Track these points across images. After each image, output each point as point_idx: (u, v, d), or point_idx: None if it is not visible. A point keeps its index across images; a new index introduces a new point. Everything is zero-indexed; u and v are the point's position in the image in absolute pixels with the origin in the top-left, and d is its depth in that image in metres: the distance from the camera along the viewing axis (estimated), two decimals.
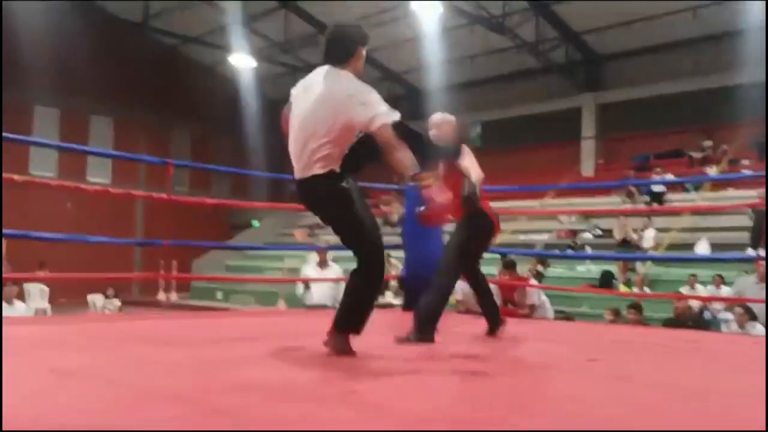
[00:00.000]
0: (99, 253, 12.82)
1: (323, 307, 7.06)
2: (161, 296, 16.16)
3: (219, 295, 16.86)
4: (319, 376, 2.47)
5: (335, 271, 7.53)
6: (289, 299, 11.27)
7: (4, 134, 4.09)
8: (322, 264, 7.52)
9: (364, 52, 2.97)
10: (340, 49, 2.92)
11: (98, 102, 18.60)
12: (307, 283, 7.36)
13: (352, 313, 2.94)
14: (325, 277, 7.27)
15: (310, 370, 2.60)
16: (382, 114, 2.72)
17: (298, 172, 2.91)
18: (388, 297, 11.40)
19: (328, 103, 2.79)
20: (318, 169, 2.82)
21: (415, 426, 1.74)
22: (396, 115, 2.78)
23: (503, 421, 1.81)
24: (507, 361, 3.11)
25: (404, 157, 2.77)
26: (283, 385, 2.20)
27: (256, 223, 21.11)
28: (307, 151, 2.84)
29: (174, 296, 16.30)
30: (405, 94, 20.44)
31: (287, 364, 2.76)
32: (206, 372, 2.47)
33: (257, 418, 1.75)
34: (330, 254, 7.59)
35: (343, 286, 6.60)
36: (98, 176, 18.17)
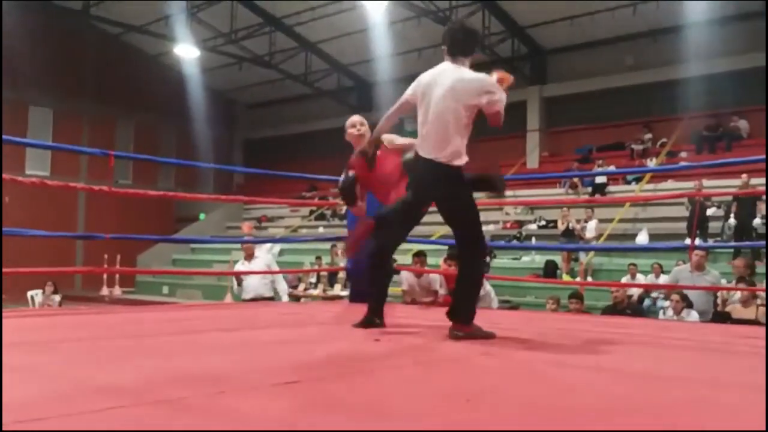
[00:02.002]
0: (39, 248, 12.50)
1: (261, 298, 7.09)
2: (105, 291, 15.83)
3: (165, 289, 16.62)
4: (260, 365, 2.48)
5: (262, 261, 7.42)
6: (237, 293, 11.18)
7: None
8: (249, 257, 7.44)
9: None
10: (469, 44, 3.40)
11: (38, 92, 18.04)
12: (239, 278, 7.30)
13: (471, 299, 3.29)
14: (254, 270, 7.20)
15: (251, 360, 2.60)
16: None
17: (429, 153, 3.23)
18: (336, 289, 11.44)
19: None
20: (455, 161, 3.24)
21: (365, 417, 1.77)
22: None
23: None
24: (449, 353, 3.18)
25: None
26: (225, 376, 2.21)
27: (202, 216, 20.85)
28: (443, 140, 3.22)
29: (118, 291, 15.99)
30: (354, 86, 20.44)
31: (228, 354, 2.76)
32: (147, 364, 2.45)
33: (197, 408, 1.76)
34: (268, 247, 7.59)
35: (272, 276, 6.56)
36: (37, 169, 17.65)
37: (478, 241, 3.41)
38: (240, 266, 7.48)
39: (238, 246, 15.20)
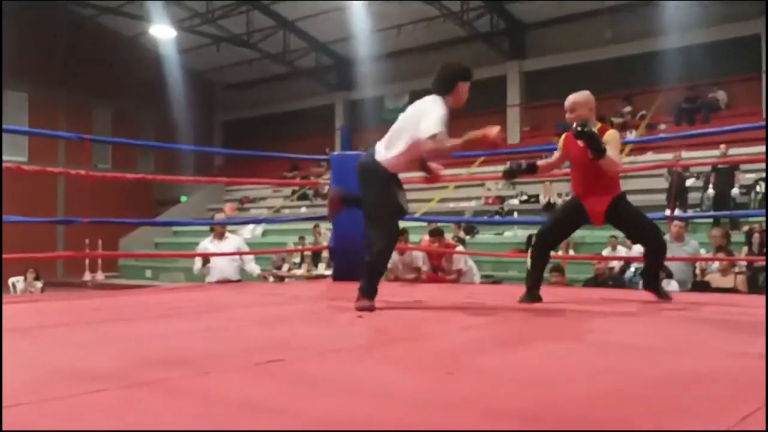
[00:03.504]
0: (19, 235, 12.34)
1: (227, 281, 6.64)
2: (87, 276, 15.74)
3: (148, 273, 16.54)
4: (242, 346, 2.48)
5: (233, 243, 7.05)
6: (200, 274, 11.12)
7: None
8: (220, 236, 7.00)
9: (465, 85, 3.68)
10: (442, 84, 3.69)
11: (12, 77, 17.73)
12: (206, 259, 6.79)
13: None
14: (223, 251, 6.77)
15: (233, 341, 2.61)
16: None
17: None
18: (321, 268, 11.46)
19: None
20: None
21: (339, 396, 1.78)
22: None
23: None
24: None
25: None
26: (207, 357, 2.21)
27: (183, 198, 20.73)
28: None
29: (101, 276, 15.90)
30: (333, 64, 20.30)
31: (211, 335, 2.76)
32: (129, 348, 2.45)
33: (180, 390, 1.76)
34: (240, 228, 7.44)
35: (241, 258, 6.47)
36: (14, 154, 17.39)
37: None
38: (208, 245, 6.99)
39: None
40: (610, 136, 3.76)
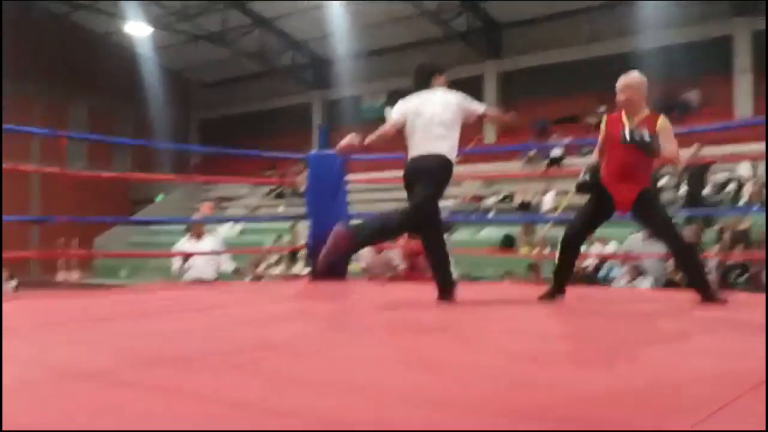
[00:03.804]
0: None
1: (204, 281, 6.57)
2: (62, 276, 15.55)
3: (124, 272, 16.39)
4: (225, 345, 2.50)
5: (211, 243, 7.04)
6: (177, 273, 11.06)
7: None
8: (198, 236, 6.96)
9: (440, 78, 4.01)
10: (422, 81, 3.99)
11: None
12: (184, 258, 6.72)
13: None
14: (201, 250, 6.73)
15: (216, 340, 2.62)
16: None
17: None
18: (298, 267, 11.44)
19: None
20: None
21: (324, 395, 1.81)
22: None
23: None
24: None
25: None
26: (191, 358, 2.23)
27: (160, 197, 20.56)
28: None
29: (76, 275, 15.72)
30: (310, 63, 20.27)
31: (193, 335, 2.77)
32: (115, 347, 2.45)
33: (165, 390, 1.78)
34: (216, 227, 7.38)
35: (221, 257, 6.40)
36: None
37: None
38: (186, 244, 6.94)
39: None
40: (662, 124, 3.66)
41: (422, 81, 3.99)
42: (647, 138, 3.50)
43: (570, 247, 3.91)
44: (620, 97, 3.77)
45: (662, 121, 3.67)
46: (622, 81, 3.80)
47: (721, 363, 2.12)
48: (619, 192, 3.71)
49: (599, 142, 3.90)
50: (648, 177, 3.77)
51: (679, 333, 2.92)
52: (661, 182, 11.76)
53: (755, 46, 13.98)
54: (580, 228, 3.93)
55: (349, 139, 3.83)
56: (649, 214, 3.76)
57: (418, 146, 3.83)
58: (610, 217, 3.87)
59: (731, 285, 7.37)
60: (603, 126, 3.88)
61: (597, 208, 3.84)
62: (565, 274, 3.92)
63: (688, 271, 3.82)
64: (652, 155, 3.56)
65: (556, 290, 3.89)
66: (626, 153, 3.62)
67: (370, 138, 3.86)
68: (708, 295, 3.62)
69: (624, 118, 3.73)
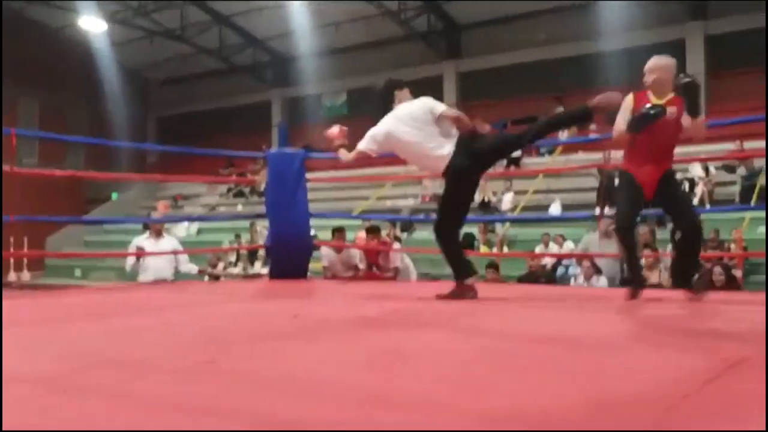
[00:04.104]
0: None
1: (161, 281, 6.45)
2: (12, 277, 15.16)
3: (77, 272, 16.05)
4: (178, 347, 2.45)
5: (170, 242, 6.93)
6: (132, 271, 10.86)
7: None
8: (157, 234, 6.80)
9: (402, 92, 4.21)
10: (387, 102, 4.19)
11: None
12: (141, 257, 6.54)
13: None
14: (159, 250, 6.58)
15: (169, 342, 2.57)
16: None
17: None
18: (257, 267, 11.35)
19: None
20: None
21: (269, 393, 1.78)
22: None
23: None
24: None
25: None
26: (142, 358, 2.18)
27: (115, 195, 20.18)
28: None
29: (26, 275, 15.34)
30: (270, 61, 20.12)
31: (145, 337, 2.71)
32: (60, 351, 2.38)
33: (114, 395, 1.73)
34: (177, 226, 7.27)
35: (180, 257, 6.33)
36: None
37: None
38: (144, 242, 6.75)
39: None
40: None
41: (388, 102, 4.19)
42: (652, 110, 3.63)
43: (628, 234, 3.90)
44: (649, 77, 3.84)
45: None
46: (653, 62, 3.88)
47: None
48: (645, 174, 3.77)
49: (619, 120, 3.90)
50: (672, 156, 3.86)
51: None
52: (617, 182, 11.96)
53: (708, 49, 14.40)
54: (627, 211, 3.90)
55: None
56: (672, 194, 3.81)
57: None
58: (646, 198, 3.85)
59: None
60: (630, 103, 3.87)
61: (636, 193, 3.83)
62: (637, 263, 3.93)
63: (689, 253, 3.86)
64: (698, 113, 3.65)
65: (638, 284, 3.87)
66: (657, 133, 3.70)
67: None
68: (689, 285, 3.79)
69: (651, 97, 3.79)
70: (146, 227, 7.06)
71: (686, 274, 3.87)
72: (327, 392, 1.73)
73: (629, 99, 3.89)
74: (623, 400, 1.61)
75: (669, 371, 1.94)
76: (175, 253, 6.78)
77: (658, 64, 3.86)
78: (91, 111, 19.79)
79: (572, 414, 1.50)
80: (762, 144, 9.66)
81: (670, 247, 8.81)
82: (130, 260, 6.71)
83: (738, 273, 7.83)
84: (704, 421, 1.45)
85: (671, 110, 3.68)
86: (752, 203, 10.19)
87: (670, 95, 3.78)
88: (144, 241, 6.81)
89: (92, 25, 17.17)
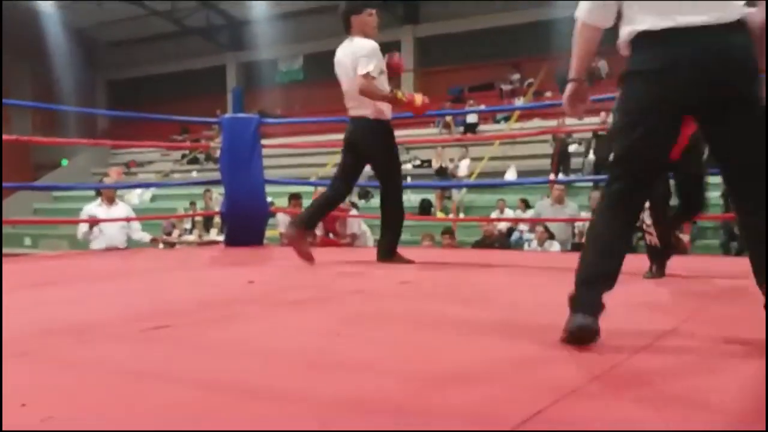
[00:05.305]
0: None
1: (114, 249, 6.29)
2: None
3: (27, 240, 15.69)
4: (130, 312, 2.42)
5: (124, 209, 6.81)
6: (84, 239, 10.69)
7: None
8: (109, 201, 6.67)
9: (365, 17, 3.90)
10: (344, 25, 3.95)
11: None
12: (94, 224, 6.41)
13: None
14: (112, 217, 6.47)
15: (120, 307, 2.54)
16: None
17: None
18: (213, 234, 11.25)
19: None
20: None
21: (226, 359, 1.79)
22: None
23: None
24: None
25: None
26: (92, 325, 2.15)
27: (65, 162, 19.67)
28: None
29: None
30: (225, 24, 19.68)
31: (96, 303, 2.68)
32: (9, 316, 2.34)
33: (62, 359, 1.72)
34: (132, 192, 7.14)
35: (132, 225, 6.19)
36: None
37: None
38: (96, 209, 6.61)
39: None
40: None
41: (345, 27, 4.00)
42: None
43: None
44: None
45: None
46: None
47: None
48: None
49: None
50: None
51: None
52: (571, 149, 12.15)
53: None
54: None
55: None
56: (698, 156, 3.44)
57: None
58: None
59: (633, 248, 7.71)
60: None
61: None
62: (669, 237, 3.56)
63: (681, 213, 3.60)
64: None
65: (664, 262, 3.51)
66: None
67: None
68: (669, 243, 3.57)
69: None
70: (98, 194, 6.89)
71: (675, 229, 3.68)
72: (277, 358, 1.74)
73: None
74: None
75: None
76: (128, 219, 6.66)
77: None
78: (35, 74, 19.14)
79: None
80: None
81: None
82: (82, 228, 6.57)
83: (685, 237, 8.05)
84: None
85: None
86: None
87: None
88: (96, 208, 6.66)
89: None
